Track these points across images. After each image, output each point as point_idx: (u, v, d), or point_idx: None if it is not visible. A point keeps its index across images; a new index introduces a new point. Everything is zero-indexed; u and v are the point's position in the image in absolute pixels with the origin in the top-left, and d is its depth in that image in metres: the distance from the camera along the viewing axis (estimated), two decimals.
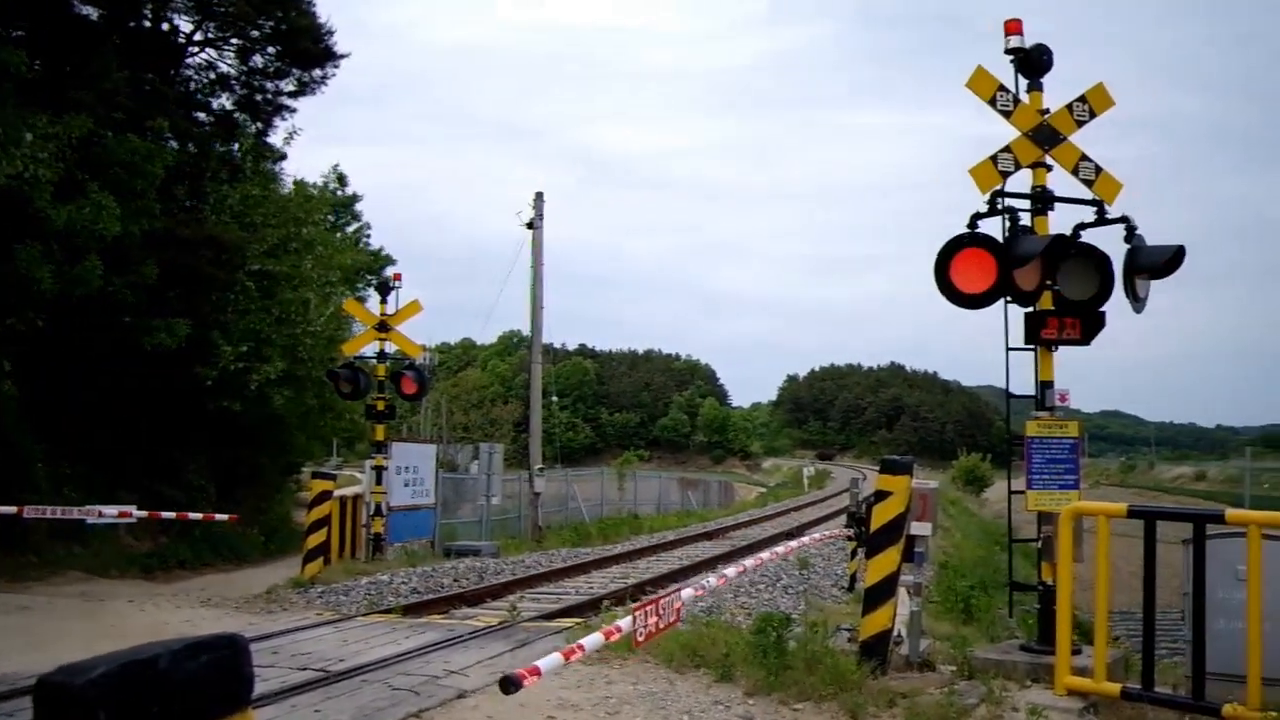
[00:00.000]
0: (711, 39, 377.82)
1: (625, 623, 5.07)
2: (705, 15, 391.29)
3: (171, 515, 15.12)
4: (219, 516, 16.29)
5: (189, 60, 21.19)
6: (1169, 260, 7.43)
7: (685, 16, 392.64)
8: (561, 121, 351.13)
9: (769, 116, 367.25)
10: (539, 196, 26.60)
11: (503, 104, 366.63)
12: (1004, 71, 7.91)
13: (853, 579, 13.98)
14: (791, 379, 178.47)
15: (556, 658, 4.66)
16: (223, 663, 1.72)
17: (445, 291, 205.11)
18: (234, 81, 21.73)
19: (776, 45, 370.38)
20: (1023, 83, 7.92)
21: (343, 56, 21.96)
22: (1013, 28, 7.85)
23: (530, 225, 26.29)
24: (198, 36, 20.95)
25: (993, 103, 7.83)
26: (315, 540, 14.98)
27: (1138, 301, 7.59)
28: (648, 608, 5.14)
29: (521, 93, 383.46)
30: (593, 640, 4.98)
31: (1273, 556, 6.13)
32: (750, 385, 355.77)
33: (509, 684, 4.24)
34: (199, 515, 15.95)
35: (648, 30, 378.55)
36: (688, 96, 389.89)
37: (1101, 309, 7.63)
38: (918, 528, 7.80)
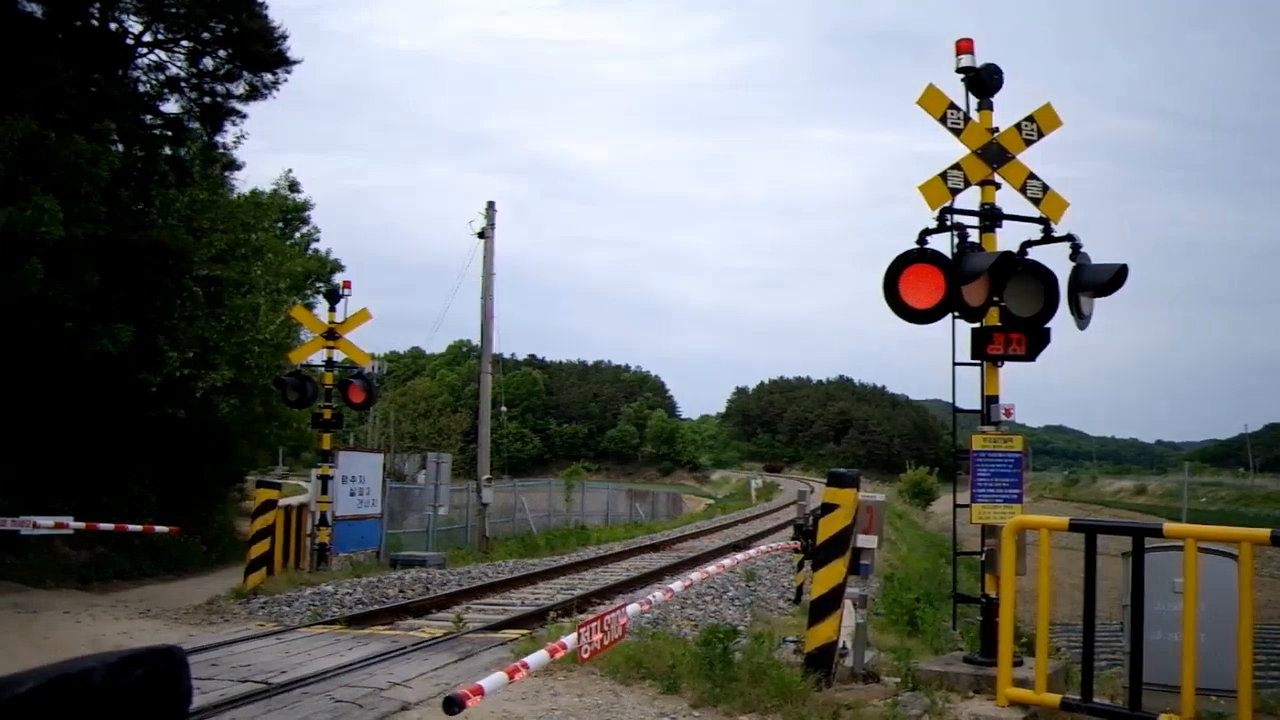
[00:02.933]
0: (667, 55, 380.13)
1: (570, 640, 5.04)
2: (661, 31, 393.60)
3: (110, 527, 14.74)
4: (159, 528, 15.97)
5: (138, 61, 20.81)
6: (1112, 279, 7.56)
7: (641, 32, 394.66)
8: (517, 133, 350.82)
9: (724, 131, 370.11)
10: (490, 206, 26.49)
11: (458, 114, 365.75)
12: (955, 90, 8.02)
13: (799, 591, 14.03)
14: (740, 391, 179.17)
15: (500, 676, 4.62)
16: (160, 676, 1.65)
17: (395, 300, 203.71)
18: (183, 84, 21.38)
19: (732, 62, 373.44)
20: (973, 101, 8.03)
21: (295, 62, 21.68)
22: (964, 47, 7.95)
23: (482, 235, 26.15)
24: (147, 38, 20.59)
25: (943, 120, 7.92)
26: (258, 550, 14.74)
27: (1082, 319, 7.70)
28: (592, 624, 5.11)
29: (477, 103, 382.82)
30: (537, 659, 4.94)
31: (1209, 569, 6.24)
32: (699, 398, 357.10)
33: (452, 704, 4.19)
34: (139, 527, 15.59)
35: (604, 44, 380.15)
36: (643, 110, 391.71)
37: (1047, 325, 7.74)
38: (864, 540, 7.83)
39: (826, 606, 7.44)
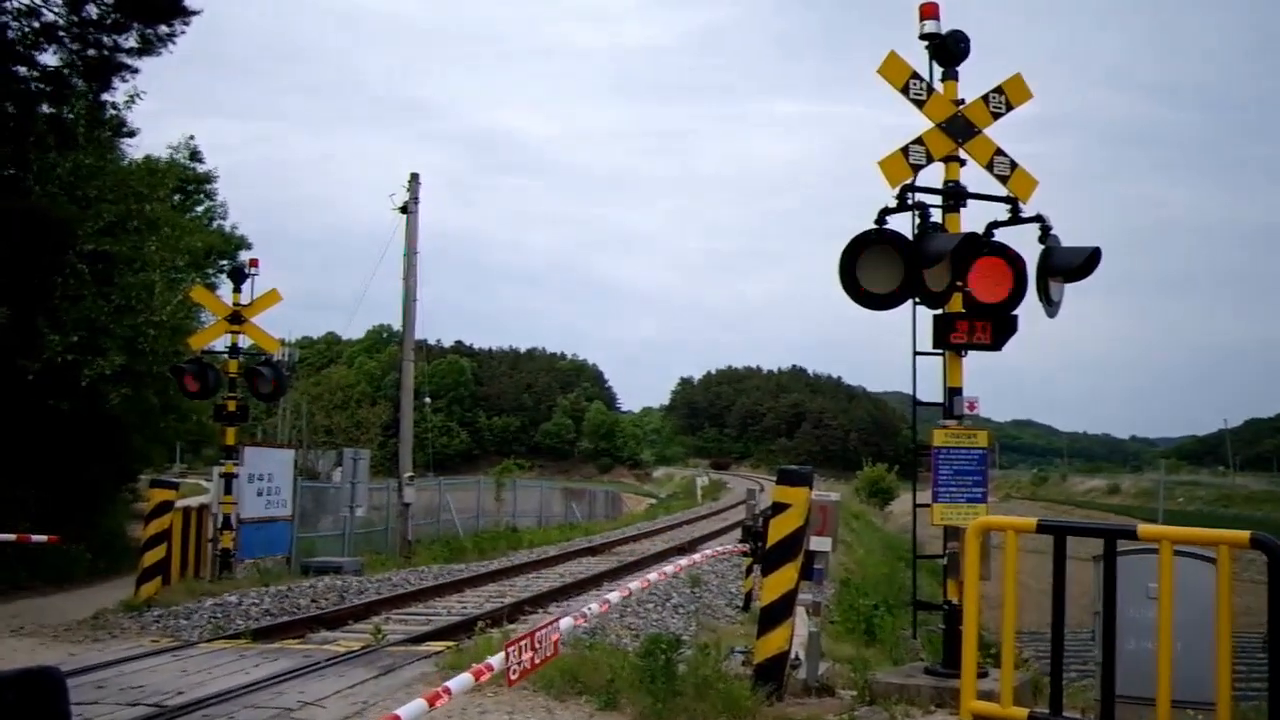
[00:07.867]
0: (619, 17, 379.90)
1: (497, 660, 5.00)
2: None
3: None
4: (36, 538, 15.53)
5: (5, 5, 20.22)
6: (1084, 263, 7.65)
7: None
8: (453, 99, 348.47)
9: (679, 101, 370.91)
10: (414, 178, 26.23)
11: (389, 78, 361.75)
12: (919, 59, 8.05)
13: (748, 598, 14.13)
14: (685, 382, 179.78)
15: (420, 704, 4.58)
16: (34, 701, 1.62)
17: (310, 281, 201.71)
18: (62, 33, 20.77)
19: (686, 28, 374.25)
20: (938, 71, 8.07)
21: (195, 12, 21.13)
22: (928, 11, 7.95)
23: (404, 209, 25.89)
24: None
25: (905, 91, 7.95)
26: (153, 557, 14.49)
27: (1051, 305, 7.78)
28: (522, 643, 5.07)
29: (410, 67, 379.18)
30: (460, 682, 4.90)
31: (1185, 574, 6.37)
32: (641, 389, 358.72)
33: None
34: (12, 536, 15.14)
35: (551, 5, 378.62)
36: (593, 78, 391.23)
37: (1014, 312, 7.81)
38: (817, 543, 7.89)
39: (777, 614, 7.49)
